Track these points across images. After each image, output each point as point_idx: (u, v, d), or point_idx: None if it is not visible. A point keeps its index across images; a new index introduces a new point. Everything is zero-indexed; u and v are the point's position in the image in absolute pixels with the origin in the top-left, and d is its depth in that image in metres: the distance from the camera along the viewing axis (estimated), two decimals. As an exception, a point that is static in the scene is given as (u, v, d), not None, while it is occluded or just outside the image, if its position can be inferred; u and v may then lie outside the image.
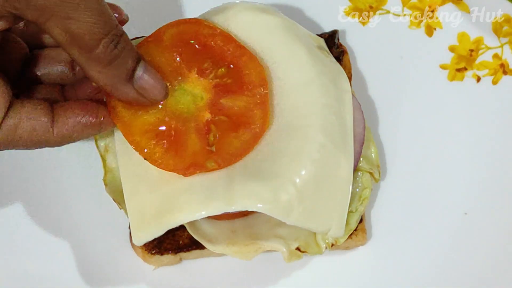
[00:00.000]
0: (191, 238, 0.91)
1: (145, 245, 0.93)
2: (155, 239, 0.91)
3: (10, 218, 0.98)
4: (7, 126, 0.77)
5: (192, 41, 0.88)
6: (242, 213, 0.90)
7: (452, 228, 0.97)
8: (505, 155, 0.99)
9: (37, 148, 0.80)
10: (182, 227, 0.90)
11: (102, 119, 0.82)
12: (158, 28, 0.90)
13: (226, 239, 0.90)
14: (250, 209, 0.85)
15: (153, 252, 0.94)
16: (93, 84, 0.83)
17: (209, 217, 0.88)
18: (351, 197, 0.90)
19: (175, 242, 0.94)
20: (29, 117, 0.78)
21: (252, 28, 0.91)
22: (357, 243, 0.96)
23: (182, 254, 0.95)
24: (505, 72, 1.02)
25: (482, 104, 1.02)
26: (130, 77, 0.79)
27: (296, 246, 0.90)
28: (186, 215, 0.86)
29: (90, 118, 0.81)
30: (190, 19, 0.90)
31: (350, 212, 0.91)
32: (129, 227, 0.93)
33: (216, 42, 0.88)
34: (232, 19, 0.91)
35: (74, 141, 0.81)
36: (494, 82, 1.02)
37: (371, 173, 0.93)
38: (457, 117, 1.01)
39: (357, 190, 0.92)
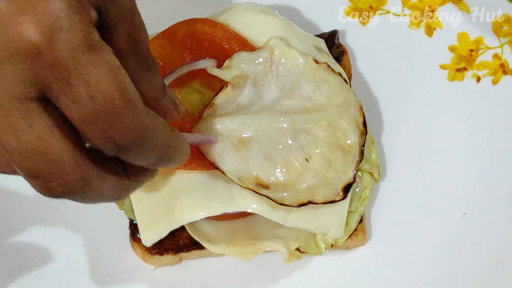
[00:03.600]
0: (191, 238, 0.91)
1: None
2: (155, 239, 0.91)
3: (11, 218, 0.98)
4: None
5: (206, 41, 0.89)
6: (242, 213, 0.90)
7: (452, 228, 0.96)
8: (504, 155, 0.99)
9: None
10: (182, 227, 0.91)
11: None
12: (157, 27, 0.90)
13: (226, 240, 0.90)
14: (248, 210, 0.85)
15: (153, 252, 0.94)
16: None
17: (209, 218, 0.89)
18: (351, 197, 0.90)
19: (175, 242, 0.94)
20: None
21: (251, 29, 0.91)
22: (357, 243, 0.96)
23: (182, 254, 0.95)
24: (505, 72, 1.02)
25: (482, 104, 1.01)
26: (165, 89, 0.72)
27: (296, 246, 0.90)
28: (187, 216, 0.86)
29: None
30: (205, 19, 0.91)
31: (350, 212, 0.91)
32: (129, 227, 0.93)
33: (231, 44, 0.88)
34: (232, 21, 0.91)
35: None
36: (494, 82, 1.02)
37: (371, 173, 0.93)
38: (457, 117, 1.01)
39: (357, 190, 0.92)
